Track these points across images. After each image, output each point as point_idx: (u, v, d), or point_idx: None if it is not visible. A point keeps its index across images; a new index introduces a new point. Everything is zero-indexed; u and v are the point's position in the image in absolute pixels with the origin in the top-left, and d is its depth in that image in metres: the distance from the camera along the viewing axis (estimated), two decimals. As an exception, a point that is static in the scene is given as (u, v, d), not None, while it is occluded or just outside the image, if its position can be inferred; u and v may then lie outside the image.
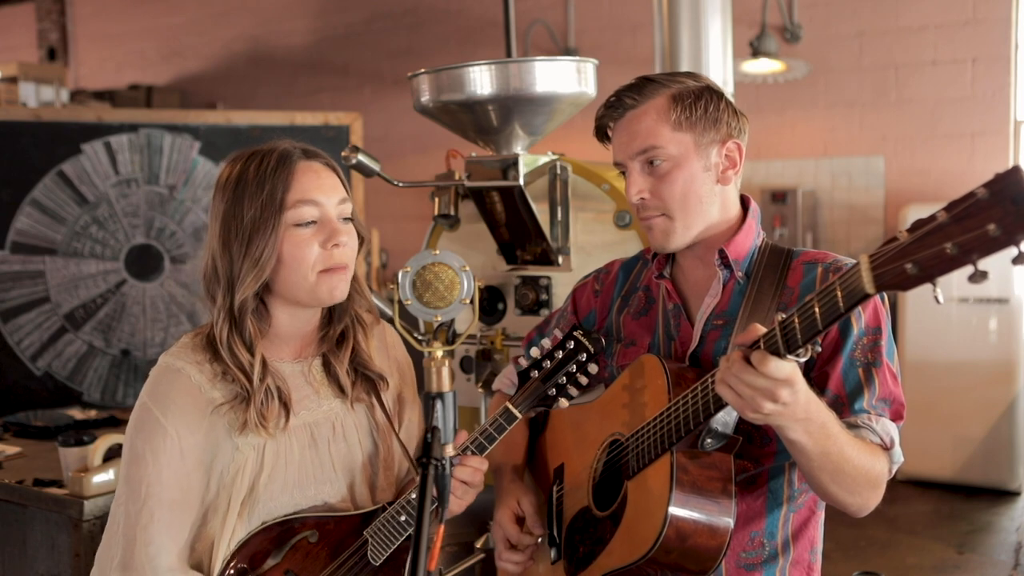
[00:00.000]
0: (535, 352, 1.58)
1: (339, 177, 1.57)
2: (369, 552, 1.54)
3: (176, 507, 1.47)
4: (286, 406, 1.53)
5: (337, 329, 1.62)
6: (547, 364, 1.56)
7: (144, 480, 1.47)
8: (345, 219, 1.54)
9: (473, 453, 1.56)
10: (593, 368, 1.56)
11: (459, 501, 1.56)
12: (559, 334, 1.60)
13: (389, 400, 1.68)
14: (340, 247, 1.51)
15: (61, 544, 2.38)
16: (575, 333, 1.56)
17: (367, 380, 1.63)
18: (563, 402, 1.53)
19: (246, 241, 1.47)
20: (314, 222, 1.50)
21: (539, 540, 1.65)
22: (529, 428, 1.83)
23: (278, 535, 1.52)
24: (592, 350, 1.55)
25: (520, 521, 1.65)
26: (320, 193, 1.51)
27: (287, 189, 1.48)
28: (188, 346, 1.55)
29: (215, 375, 1.51)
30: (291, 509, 1.55)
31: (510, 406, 1.55)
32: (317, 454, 1.57)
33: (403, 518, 1.53)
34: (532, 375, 1.56)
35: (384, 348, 1.72)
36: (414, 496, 1.53)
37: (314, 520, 1.54)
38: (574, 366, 1.55)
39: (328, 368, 1.61)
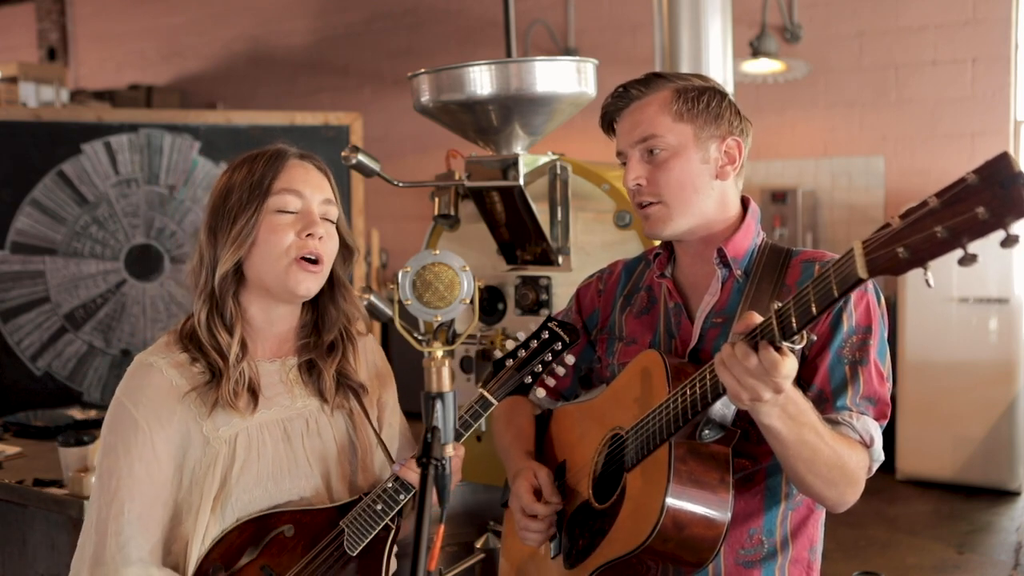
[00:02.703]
0: (510, 343, 1.59)
1: (329, 181, 1.60)
2: (345, 542, 1.52)
3: (147, 500, 1.47)
4: (254, 394, 1.53)
5: (326, 339, 1.63)
6: (522, 352, 1.56)
7: (115, 474, 1.47)
8: (327, 220, 1.57)
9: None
10: (570, 359, 1.57)
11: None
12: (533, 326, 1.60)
13: (369, 405, 1.68)
14: (314, 238, 1.53)
15: (61, 544, 2.39)
16: (550, 324, 1.58)
17: (348, 388, 1.64)
18: (539, 391, 1.53)
19: (231, 221, 1.52)
20: (295, 213, 1.54)
21: (555, 511, 1.63)
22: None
23: (254, 531, 1.51)
24: (567, 339, 1.55)
25: (537, 493, 1.64)
26: (305, 186, 1.55)
27: (275, 177, 1.54)
28: (163, 342, 1.58)
29: (183, 363, 1.53)
30: (267, 504, 1.53)
31: (485, 393, 1.53)
32: (291, 448, 1.56)
33: (379, 507, 1.52)
34: (507, 363, 1.57)
35: (365, 359, 1.72)
36: (390, 485, 1.53)
37: (289, 514, 1.53)
38: (549, 355, 1.55)
39: (310, 371, 1.62)
